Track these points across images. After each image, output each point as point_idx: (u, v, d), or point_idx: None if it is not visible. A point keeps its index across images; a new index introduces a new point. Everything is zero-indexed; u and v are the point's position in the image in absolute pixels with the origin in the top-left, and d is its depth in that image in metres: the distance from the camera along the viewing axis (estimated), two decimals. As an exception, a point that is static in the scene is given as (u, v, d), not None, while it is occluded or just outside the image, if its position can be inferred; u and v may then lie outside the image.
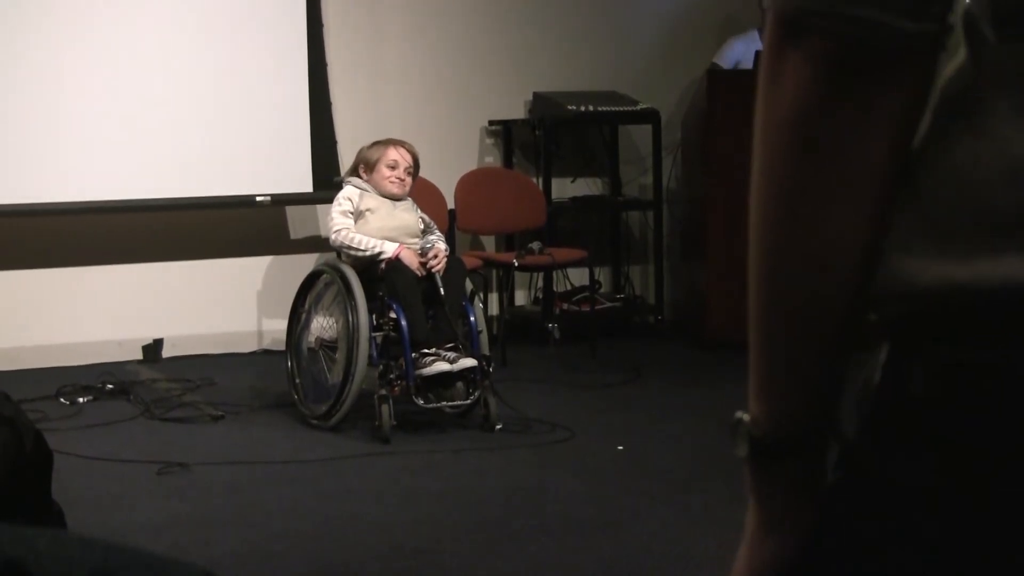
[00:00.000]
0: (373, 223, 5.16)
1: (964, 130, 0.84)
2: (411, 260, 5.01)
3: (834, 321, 0.91)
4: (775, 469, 0.96)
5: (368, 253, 5.05)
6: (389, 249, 5.03)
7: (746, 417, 0.97)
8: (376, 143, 5.36)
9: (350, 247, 5.09)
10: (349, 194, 5.23)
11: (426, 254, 5.06)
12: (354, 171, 5.37)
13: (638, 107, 6.92)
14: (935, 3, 0.86)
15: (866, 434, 0.88)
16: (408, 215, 5.27)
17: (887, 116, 0.88)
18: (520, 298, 7.18)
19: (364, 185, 5.26)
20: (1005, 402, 0.79)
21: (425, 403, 4.84)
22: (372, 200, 5.22)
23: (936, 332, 0.82)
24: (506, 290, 6.74)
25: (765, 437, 0.95)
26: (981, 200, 0.81)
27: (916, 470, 0.83)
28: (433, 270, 5.01)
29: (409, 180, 5.30)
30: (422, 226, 5.29)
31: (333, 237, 5.14)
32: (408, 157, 5.30)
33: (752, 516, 1.00)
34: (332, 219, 5.18)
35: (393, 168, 5.26)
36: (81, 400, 5.48)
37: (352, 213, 5.18)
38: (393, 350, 4.94)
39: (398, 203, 5.27)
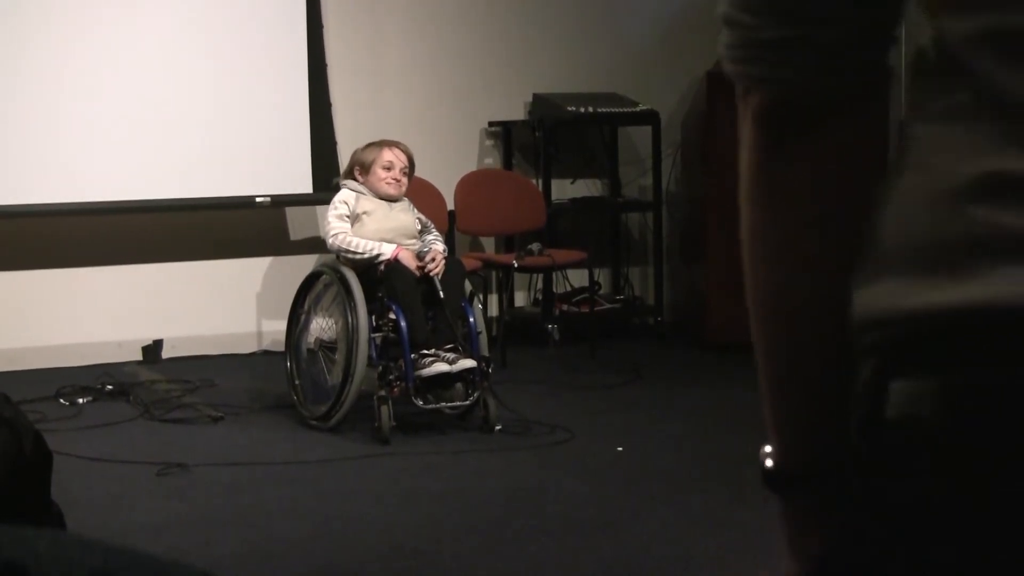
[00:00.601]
0: (370, 225, 5.15)
1: (905, 165, 0.88)
2: (410, 261, 5.01)
3: (811, 361, 0.98)
4: (788, 498, 1.02)
5: (366, 256, 5.05)
6: (387, 251, 5.03)
7: (767, 450, 1.04)
8: (370, 145, 5.36)
9: (348, 251, 5.08)
10: (345, 197, 5.23)
11: (423, 258, 5.06)
12: (349, 173, 5.37)
13: (638, 108, 6.92)
14: (854, 57, 0.92)
15: (857, 463, 0.91)
16: (405, 216, 5.27)
17: (822, 164, 0.94)
18: (520, 299, 7.18)
19: (360, 188, 5.26)
20: (969, 423, 0.82)
21: (424, 404, 4.84)
22: (368, 203, 5.21)
23: (899, 357, 0.85)
24: (506, 291, 6.74)
25: (776, 469, 1.02)
26: (914, 231, 0.85)
27: (906, 496, 0.85)
28: (431, 274, 5.00)
29: (405, 180, 5.30)
30: (419, 227, 5.29)
31: (330, 242, 5.14)
32: (403, 157, 5.30)
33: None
34: (328, 223, 5.18)
35: (388, 169, 5.26)
36: (81, 401, 5.48)
37: (348, 216, 5.18)
38: (392, 351, 4.94)
39: (394, 204, 5.27)
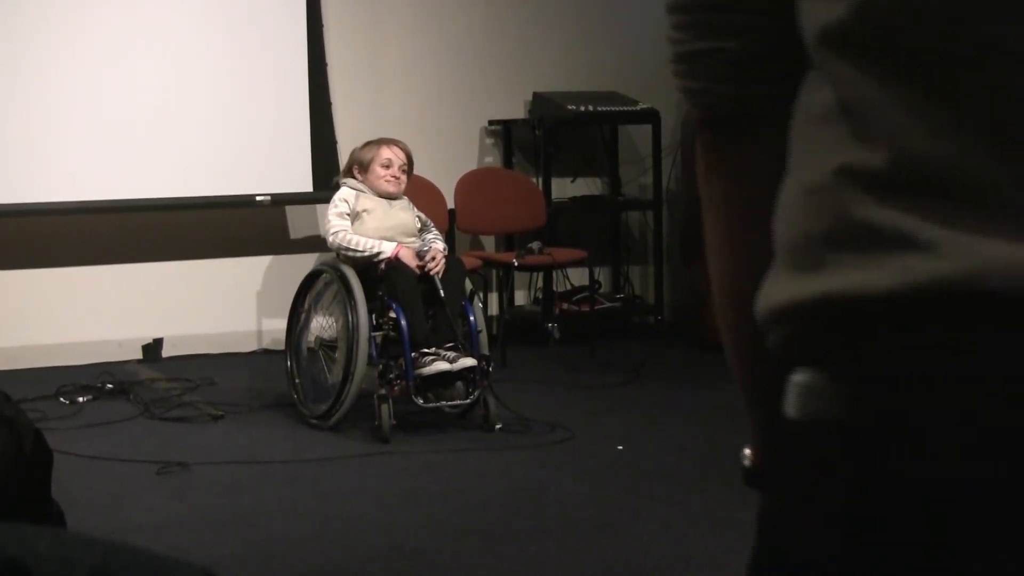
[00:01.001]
0: (370, 223, 5.15)
1: (790, 163, 0.91)
2: (410, 259, 5.01)
3: (750, 361, 1.03)
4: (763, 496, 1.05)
5: (366, 253, 5.04)
6: (387, 249, 5.03)
7: (747, 451, 1.08)
8: (368, 143, 5.36)
9: (348, 248, 5.08)
10: (345, 196, 5.23)
11: (423, 256, 5.06)
12: (348, 172, 5.38)
13: (638, 107, 6.92)
14: (767, 67, 0.96)
15: (781, 460, 0.94)
16: (405, 214, 5.27)
17: (752, 171, 1.00)
18: (520, 298, 7.18)
19: (359, 186, 5.26)
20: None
21: (425, 403, 4.84)
22: (368, 201, 5.22)
23: (790, 352, 0.88)
24: (506, 290, 6.74)
25: (751, 467, 1.07)
26: (789, 227, 0.89)
27: (823, 495, 0.87)
28: (431, 273, 5.00)
29: (404, 178, 5.31)
30: (419, 224, 5.30)
31: (331, 240, 5.14)
32: (402, 155, 5.31)
33: None
34: (328, 221, 5.18)
35: (387, 167, 5.26)
36: (81, 400, 5.48)
37: (349, 214, 5.18)
38: (393, 350, 4.94)
39: (394, 202, 5.27)
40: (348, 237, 5.09)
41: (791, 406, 0.88)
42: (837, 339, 0.84)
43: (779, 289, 0.88)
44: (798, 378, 0.87)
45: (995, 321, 0.78)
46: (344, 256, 5.16)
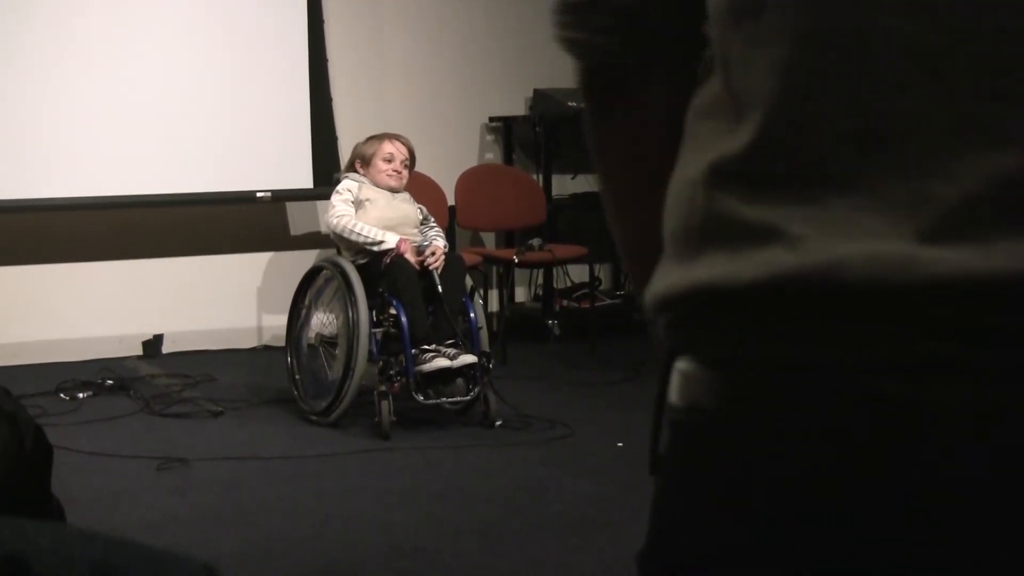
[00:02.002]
0: (372, 213, 5.15)
1: (679, 154, 0.92)
2: (411, 256, 5.00)
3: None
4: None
5: (369, 241, 5.03)
6: (390, 240, 5.02)
7: None
8: (371, 138, 5.37)
9: (351, 232, 5.06)
10: (348, 185, 5.24)
11: (423, 252, 5.05)
12: (351, 167, 5.38)
13: (639, 104, 6.91)
14: (651, 22, 0.95)
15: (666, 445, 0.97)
16: (407, 205, 5.28)
17: (632, 129, 1.00)
18: (520, 295, 7.18)
19: (362, 179, 5.26)
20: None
21: (425, 399, 4.85)
22: (371, 191, 5.22)
23: (673, 339, 0.91)
24: (506, 287, 6.74)
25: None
26: (670, 218, 0.90)
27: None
28: (431, 268, 5.00)
29: (406, 173, 5.31)
30: (421, 216, 5.30)
31: (333, 222, 5.12)
32: (403, 150, 5.31)
33: None
34: (332, 206, 5.17)
35: (389, 161, 5.26)
36: (81, 396, 5.48)
37: (352, 203, 5.17)
38: (393, 346, 4.94)
39: (397, 195, 5.27)
40: (352, 222, 5.08)
41: (673, 393, 0.90)
42: (708, 328, 0.86)
43: (661, 278, 0.90)
44: (680, 365, 0.89)
45: (851, 313, 0.79)
46: (344, 247, 5.16)
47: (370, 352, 4.91)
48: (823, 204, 0.80)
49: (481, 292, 5.85)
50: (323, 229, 6.30)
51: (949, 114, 0.78)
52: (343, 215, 5.10)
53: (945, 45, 0.77)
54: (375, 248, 5.03)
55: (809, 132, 0.81)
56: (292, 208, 6.80)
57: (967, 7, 0.77)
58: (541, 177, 6.95)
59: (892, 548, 0.80)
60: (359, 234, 5.05)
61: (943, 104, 0.78)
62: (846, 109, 0.80)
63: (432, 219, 5.38)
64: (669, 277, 0.89)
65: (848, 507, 0.80)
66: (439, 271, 5.00)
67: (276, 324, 6.22)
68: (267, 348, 6.55)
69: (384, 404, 4.77)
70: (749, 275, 0.81)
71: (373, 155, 5.27)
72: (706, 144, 0.87)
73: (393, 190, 5.26)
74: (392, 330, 4.94)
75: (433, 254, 5.03)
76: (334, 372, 5.04)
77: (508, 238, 7.03)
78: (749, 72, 0.84)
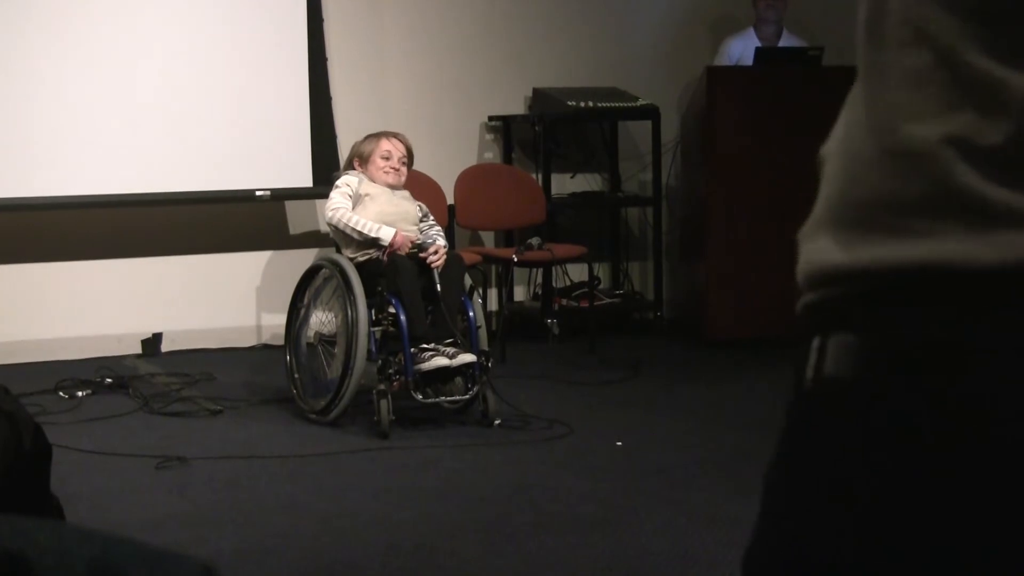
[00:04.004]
0: (372, 208, 5.15)
1: (852, 124, 0.88)
2: (403, 245, 5.00)
3: None
4: None
5: (366, 234, 5.03)
6: (386, 235, 5.02)
7: None
8: (369, 136, 5.37)
9: (348, 225, 5.06)
10: (348, 180, 5.24)
11: (426, 249, 5.05)
12: (349, 165, 5.39)
13: (638, 103, 6.92)
14: None
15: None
16: (407, 202, 5.28)
17: None
18: (519, 294, 7.18)
19: (361, 175, 5.27)
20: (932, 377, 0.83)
21: (424, 398, 4.85)
22: (371, 187, 5.22)
23: (842, 313, 0.86)
24: (505, 286, 6.74)
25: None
26: (858, 189, 0.86)
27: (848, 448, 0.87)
28: (432, 265, 5.00)
29: (404, 170, 5.31)
30: (420, 213, 5.30)
31: (330, 215, 5.12)
32: (401, 147, 5.31)
33: None
34: (331, 200, 5.17)
35: (387, 159, 5.26)
36: (80, 394, 5.48)
37: (351, 197, 5.17)
38: (392, 345, 4.94)
39: (396, 191, 5.28)
40: (349, 215, 5.08)
41: (832, 365, 0.86)
42: (921, 306, 0.83)
43: (833, 249, 0.86)
44: (842, 338, 0.85)
45: None
46: (342, 243, 5.16)
47: (369, 351, 4.91)
48: None
49: (480, 291, 5.86)
50: (323, 227, 6.30)
51: None
52: (339, 207, 5.11)
53: None
54: (370, 241, 5.02)
55: None
56: (291, 207, 6.80)
57: None
58: (540, 176, 6.95)
59: None
60: (355, 227, 5.05)
61: None
62: None
63: (431, 216, 5.38)
64: (853, 250, 0.85)
65: None
66: (439, 269, 5.00)
67: (275, 323, 6.22)
68: (266, 347, 6.55)
69: (383, 403, 4.77)
70: (991, 257, 0.80)
71: (371, 153, 5.28)
72: (924, 116, 0.83)
73: (392, 187, 5.26)
74: (391, 329, 4.94)
75: (435, 252, 5.04)
76: (333, 371, 5.04)
77: (507, 237, 7.03)
78: (990, 56, 0.81)
